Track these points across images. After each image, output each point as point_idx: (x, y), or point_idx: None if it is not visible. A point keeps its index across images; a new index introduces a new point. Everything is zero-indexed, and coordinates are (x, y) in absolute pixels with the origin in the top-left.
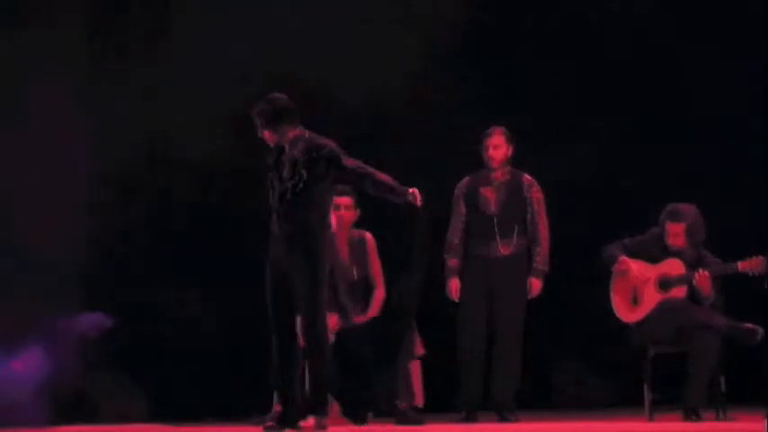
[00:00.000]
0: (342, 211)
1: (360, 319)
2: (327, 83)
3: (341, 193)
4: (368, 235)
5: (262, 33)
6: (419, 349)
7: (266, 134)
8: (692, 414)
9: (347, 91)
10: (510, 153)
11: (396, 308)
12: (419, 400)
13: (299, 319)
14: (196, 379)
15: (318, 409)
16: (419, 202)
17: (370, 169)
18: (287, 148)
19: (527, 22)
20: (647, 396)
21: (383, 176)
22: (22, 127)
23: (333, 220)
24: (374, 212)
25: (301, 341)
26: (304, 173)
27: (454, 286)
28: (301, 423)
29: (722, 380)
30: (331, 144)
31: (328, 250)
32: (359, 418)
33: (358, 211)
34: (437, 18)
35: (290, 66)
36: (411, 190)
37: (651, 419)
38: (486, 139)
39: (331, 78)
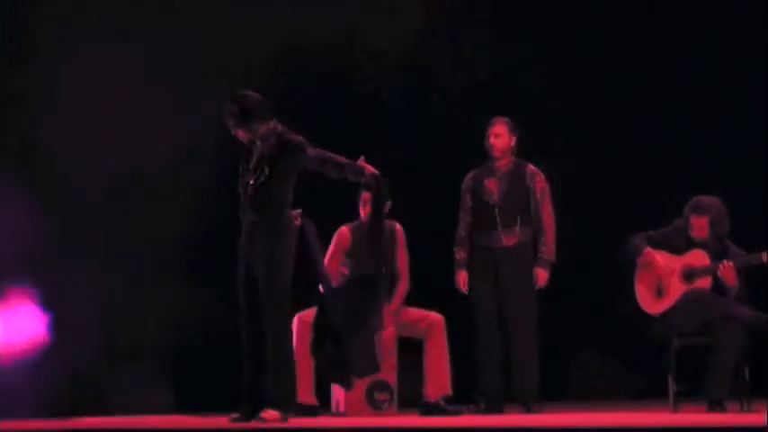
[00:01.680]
0: (367, 206)
1: (385, 312)
2: None
3: (366, 188)
4: (398, 226)
5: None
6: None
7: (239, 133)
8: (716, 405)
9: None
10: (513, 143)
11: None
12: (447, 390)
13: (266, 314)
14: (220, 371)
15: (282, 403)
16: (370, 170)
17: (329, 154)
18: (258, 143)
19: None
20: (672, 387)
21: (342, 159)
22: None
23: (362, 214)
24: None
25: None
26: (266, 168)
27: (462, 278)
28: (263, 414)
29: (746, 371)
30: (298, 138)
31: (288, 243)
32: (344, 382)
33: (389, 204)
34: None
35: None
36: (360, 162)
37: (675, 411)
38: (489, 129)
39: None
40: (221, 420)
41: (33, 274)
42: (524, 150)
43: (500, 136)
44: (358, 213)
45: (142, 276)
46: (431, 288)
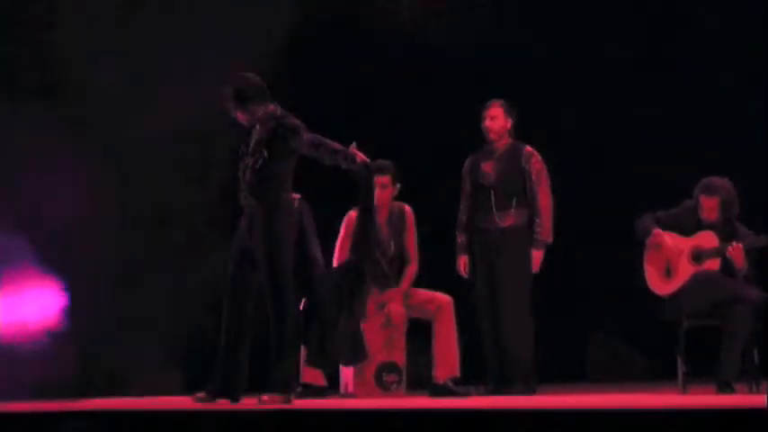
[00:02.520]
0: (379, 190)
1: (392, 293)
2: None
3: (378, 171)
4: (407, 208)
5: None
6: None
7: (238, 115)
8: (725, 387)
9: None
10: (509, 125)
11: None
12: (455, 371)
13: (267, 297)
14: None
15: (284, 385)
16: (361, 158)
17: (324, 139)
18: (257, 126)
19: None
20: (681, 369)
21: (336, 145)
22: None
23: (378, 198)
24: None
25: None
26: (264, 151)
27: (462, 262)
28: (263, 397)
29: (755, 352)
30: (296, 121)
31: (288, 226)
32: (324, 366)
33: (398, 186)
34: None
35: None
36: (352, 149)
37: (684, 392)
38: (484, 111)
39: None
40: (249, 401)
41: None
42: (533, 132)
43: (495, 118)
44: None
45: (155, 254)
46: (439, 270)
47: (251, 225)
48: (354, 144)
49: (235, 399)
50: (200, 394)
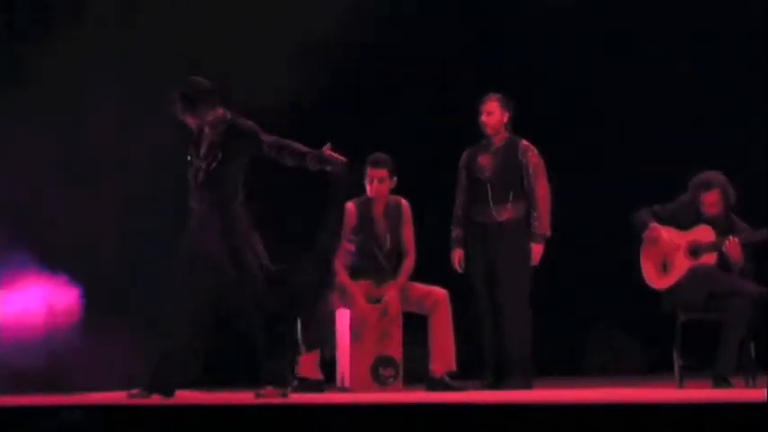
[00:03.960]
0: (375, 183)
1: (389, 286)
2: None
3: (375, 165)
4: (403, 201)
5: None
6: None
7: (187, 119)
8: (721, 381)
9: None
10: (506, 119)
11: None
12: (452, 365)
13: (241, 296)
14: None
15: (278, 380)
16: (338, 158)
17: (287, 141)
18: (206, 129)
19: None
20: (677, 363)
21: (301, 148)
22: None
23: (369, 191)
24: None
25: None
26: (219, 153)
27: (456, 256)
28: (261, 392)
29: (752, 346)
30: (249, 123)
31: (244, 227)
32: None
33: (394, 180)
34: None
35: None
36: (326, 149)
37: (681, 386)
38: (481, 106)
39: None
40: (245, 395)
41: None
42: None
43: (492, 113)
44: (363, 190)
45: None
46: (436, 263)
47: (202, 227)
48: (329, 145)
49: (169, 393)
50: (134, 391)
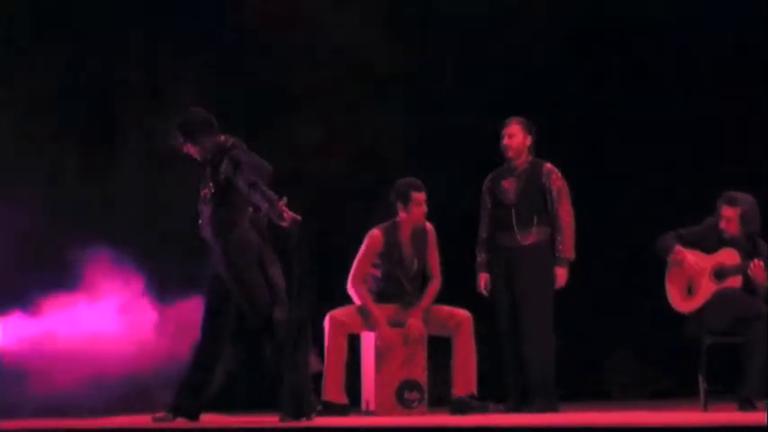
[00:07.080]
0: (421, 206)
1: (414, 311)
2: None
3: (418, 189)
4: (429, 226)
5: None
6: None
7: (190, 150)
8: (747, 404)
9: None
10: (528, 143)
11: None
12: (473, 388)
13: (254, 322)
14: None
15: (298, 410)
16: (286, 221)
17: (260, 186)
18: (209, 157)
19: None
20: (702, 386)
21: (269, 194)
22: None
23: (413, 215)
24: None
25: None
26: (213, 182)
27: (482, 280)
28: (285, 416)
29: None
30: (239, 155)
31: (246, 252)
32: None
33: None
34: None
35: None
36: (280, 204)
37: (706, 410)
38: (503, 129)
39: None
40: (270, 419)
41: None
42: (553, 149)
43: (514, 136)
44: (390, 216)
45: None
46: (460, 286)
47: (211, 254)
48: (285, 200)
49: (194, 417)
50: (159, 414)
